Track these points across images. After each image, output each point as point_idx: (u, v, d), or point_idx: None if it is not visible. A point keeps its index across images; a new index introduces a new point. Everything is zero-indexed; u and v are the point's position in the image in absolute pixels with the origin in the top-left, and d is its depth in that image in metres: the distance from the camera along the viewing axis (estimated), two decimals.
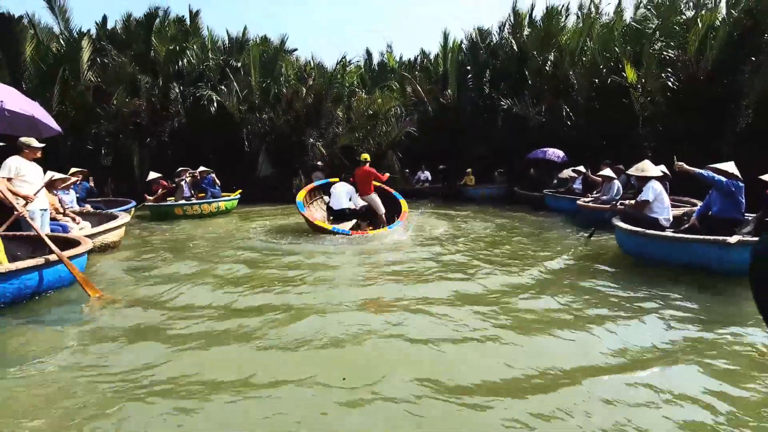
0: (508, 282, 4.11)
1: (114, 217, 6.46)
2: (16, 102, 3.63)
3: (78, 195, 8.12)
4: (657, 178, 5.52)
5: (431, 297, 3.62)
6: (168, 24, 14.10)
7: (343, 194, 7.55)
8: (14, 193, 4.19)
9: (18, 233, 4.43)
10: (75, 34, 12.12)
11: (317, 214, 8.03)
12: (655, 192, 5.31)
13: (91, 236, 4.99)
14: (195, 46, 14.00)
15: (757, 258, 0.75)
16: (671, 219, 5.37)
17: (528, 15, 13.77)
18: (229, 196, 10.57)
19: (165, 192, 9.99)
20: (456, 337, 2.81)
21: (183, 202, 9.69)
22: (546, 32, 12.49)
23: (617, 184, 7.61)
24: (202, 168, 10.46)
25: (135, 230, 8.02)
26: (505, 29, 14.06)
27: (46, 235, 4.10)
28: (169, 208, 9.57)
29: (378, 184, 7.65)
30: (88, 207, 7.87)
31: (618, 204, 6.48)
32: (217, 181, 10.56)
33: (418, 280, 4.19)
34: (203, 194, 10.30)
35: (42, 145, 4.71)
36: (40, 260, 3.56)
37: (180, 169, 10.36)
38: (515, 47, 13.07)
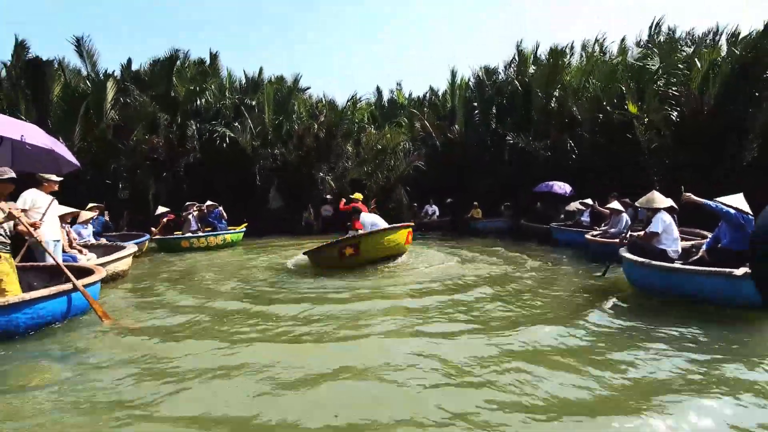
0: (519, 331, 3.73)
1: (120, 248, 6.64)
2: (36, 137, 3.79)
3: (94, 229, 8.35)
4: (666, 210, 5.51)
5: (443, 356, 3.14)
6: (189, 65, 14.88)
7: (380, 219, 7.25)
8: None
9: (34, 264, 4.57)
10: (101, 75, 12.85)
11: None
12: (664, 224, 5.28)
13: (102, 265, 5.11)
14: (213, 86, 14.71)
15: (759, 255, 0.78)
16: (680, 251, 5.31)
17: (533, 54, 14.27)
18: (234, 229, 10.76)
19: (169, 223, 10.24)
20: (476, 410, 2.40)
21: (189, 235, 9.91)
22: (551, 71, 12.88)
23: (625, 216, 7.59)
24: (209, 202, 10.70)
25: (144, 262, 8.20)
26: (511, 68, 14.56)
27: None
28: (175, 240, 9.78)
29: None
30: (103, 240, 8.11)
31: (627, 236, 6.44)
32: (224, 215, 10.73)
33: (424, 334, 3.73)
34: (210, 228, 10.50)
35: (60, 179, 4.92)
36: (53, 289, 3.64)
37: (188, 203, 10.62)
38: (519, 87, 13.44)
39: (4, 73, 12.49)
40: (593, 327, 3.84)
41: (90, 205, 8.72)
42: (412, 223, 7.71)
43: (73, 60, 13.16)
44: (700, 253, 5.06)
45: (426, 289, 5.50)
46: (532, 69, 13.84)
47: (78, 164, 4.49)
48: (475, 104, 14.95)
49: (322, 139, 13.83)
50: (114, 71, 13.56)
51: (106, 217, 10.06)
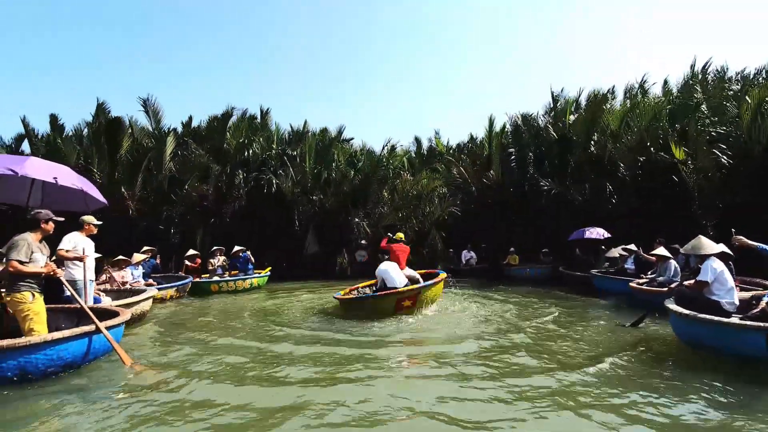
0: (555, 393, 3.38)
1: (140, 292, 6.78)
2: (68, 178, 4.13)
3: (144, 270, 8.96)
4: (717, 257, 4.97)
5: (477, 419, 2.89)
6: (242, 121, 16.08)
7: (397, 272, 7.12)
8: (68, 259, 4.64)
9: (63, 305, 4.72)
10: (164, 131, 14.22)
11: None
12: (714, 272, 4.75)
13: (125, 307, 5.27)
14: (261, 138, 15.76)
15: None
16: (737, 303, 4.73)
17: (575, 101, 14.11)
18: (260, 272, 11.10)
19: (196, 267, 10.78)
20: None
21: (217, 278, 10.37)
22: (591, 116, 12.58)
23: (674, 263, 6.96)
24: (237, 247, 11.12)
25: (178, 303, 8.57)
26: (549, 116, 14.45)
27: (89, 306, 4.34)
28: (205, 284, 10.19)
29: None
30: (150, 281, 8.72)
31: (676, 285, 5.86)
32: (252, 259, 11.08)
33: (460, 397, 3.34)
34: (236, 272, 10.91)
35: (99, 222, 5.34)
36: (75, 330, 3.68)
37: (215, 248, 11.15)
38: (554, 135, 13.25)
39: (86, 131, 14.23)
40: (629, 387, 3.46)
41: (144, 248, 9.41)
42: (445, 275, 7.76)
43: (141, 118, 14.70)
44: (760, 306, 4.48)
45: (459, 348, 4.85)
46: (572, 117, 13.65)
47: (105, 202, 4.80)
48: (512, 150, 14.87)
49: (359, 186, 14.19)
50: (175, 127, 14.97)
51: (157, 260, 10.73)
